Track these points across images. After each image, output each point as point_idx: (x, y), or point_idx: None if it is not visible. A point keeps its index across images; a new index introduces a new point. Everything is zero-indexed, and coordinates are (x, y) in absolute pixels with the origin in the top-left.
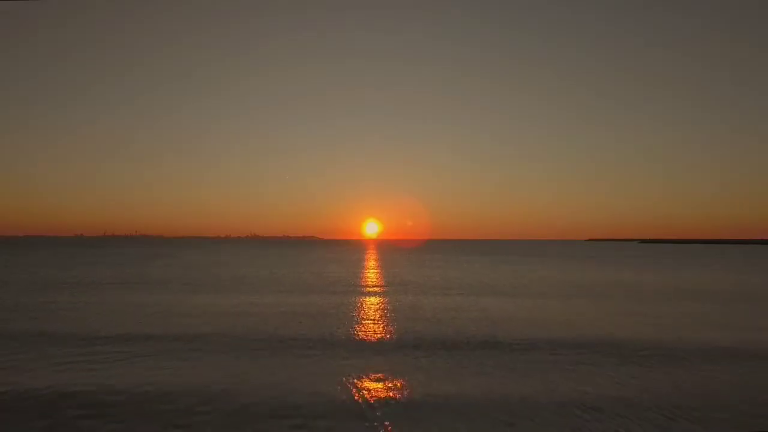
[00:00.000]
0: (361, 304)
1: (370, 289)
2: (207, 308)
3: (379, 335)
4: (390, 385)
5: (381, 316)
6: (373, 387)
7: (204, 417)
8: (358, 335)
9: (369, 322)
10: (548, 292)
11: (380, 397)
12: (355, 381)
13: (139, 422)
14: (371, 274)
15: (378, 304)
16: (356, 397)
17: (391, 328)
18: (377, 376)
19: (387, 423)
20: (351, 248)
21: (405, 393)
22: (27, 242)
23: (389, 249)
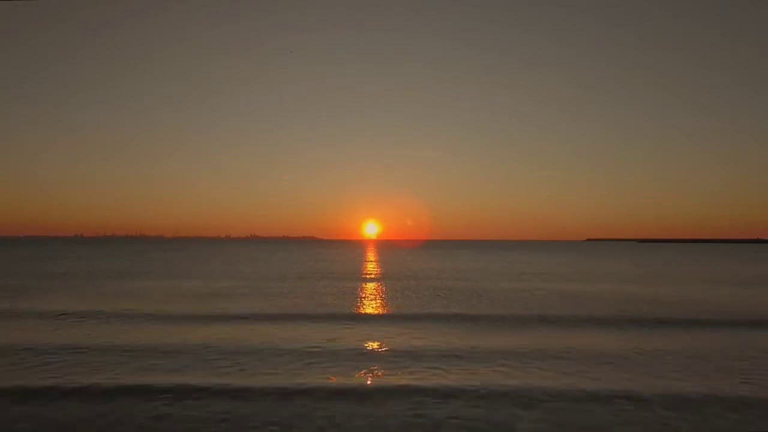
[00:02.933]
0: (367, 287)
1: (374, 276)
2: (240, 290)
3: (378, 309)
4: (392, 340)
5: (384, 295)
6: (377, 341)
7: (245, 358)
8: (363, 309)
9: (374, 299)
10: (525, 277)
11: (379, 347)
12: (362, 337)
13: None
14: (373, 265)
15: (380, 286)
16: (362, 347)
17: (392, 303)
18: (386, 335)
19: (389, 364)
20: (352, 247)
21: (405, 345)
22: (28, 242)
23: (389, 247)
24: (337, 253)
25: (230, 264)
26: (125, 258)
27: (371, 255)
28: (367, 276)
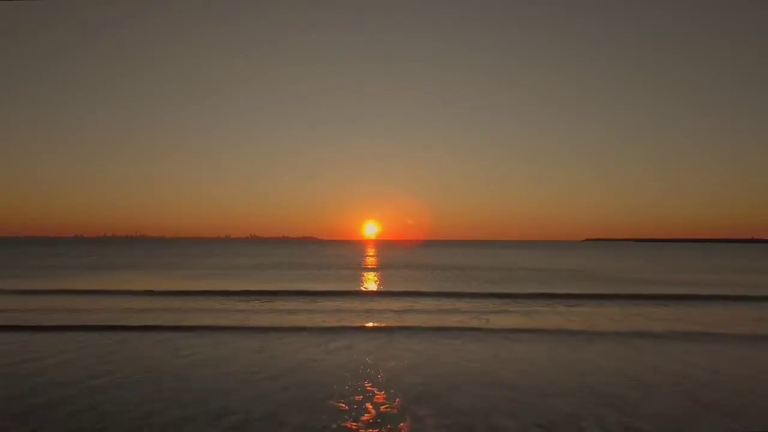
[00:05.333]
0: (371, 274)
1: (376, 266)
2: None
3: (381, 287)
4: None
5: (384, 279)
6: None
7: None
8: (370, 287)
9: (377, 281)
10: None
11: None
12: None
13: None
14: (375, 259)
15: (380, 274)
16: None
17: (392, 283)
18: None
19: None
20: (353, 246)
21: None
22: (28, 242)
23: (389, 246)
24: (337, 251)
25: (238, 257)
26: (147, 256)
27: (374, 252)
28: (375, 266)
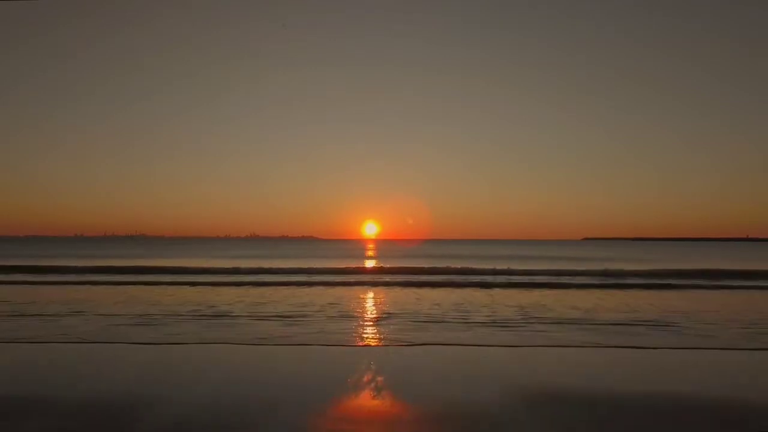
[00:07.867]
0: (374, 265)
1: (377, 257)
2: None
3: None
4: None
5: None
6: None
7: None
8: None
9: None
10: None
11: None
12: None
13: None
14: (375, 253)
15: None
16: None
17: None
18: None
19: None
20: (353, 244)
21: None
22: (29, 241)
23: (391, 245)
24: (346, 246)
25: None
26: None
27: (375, 248)
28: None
